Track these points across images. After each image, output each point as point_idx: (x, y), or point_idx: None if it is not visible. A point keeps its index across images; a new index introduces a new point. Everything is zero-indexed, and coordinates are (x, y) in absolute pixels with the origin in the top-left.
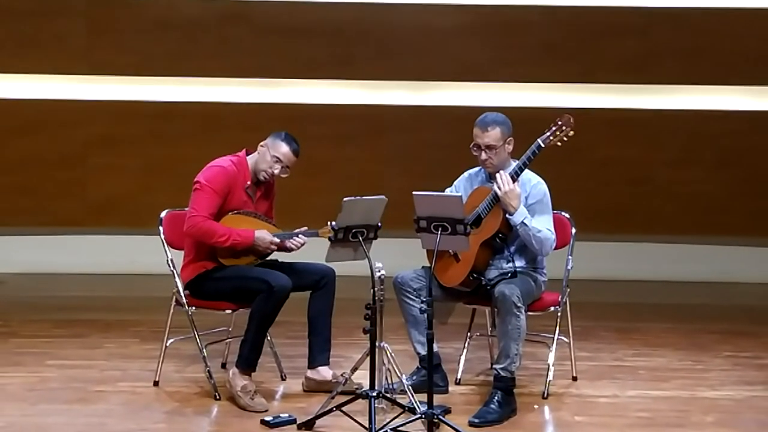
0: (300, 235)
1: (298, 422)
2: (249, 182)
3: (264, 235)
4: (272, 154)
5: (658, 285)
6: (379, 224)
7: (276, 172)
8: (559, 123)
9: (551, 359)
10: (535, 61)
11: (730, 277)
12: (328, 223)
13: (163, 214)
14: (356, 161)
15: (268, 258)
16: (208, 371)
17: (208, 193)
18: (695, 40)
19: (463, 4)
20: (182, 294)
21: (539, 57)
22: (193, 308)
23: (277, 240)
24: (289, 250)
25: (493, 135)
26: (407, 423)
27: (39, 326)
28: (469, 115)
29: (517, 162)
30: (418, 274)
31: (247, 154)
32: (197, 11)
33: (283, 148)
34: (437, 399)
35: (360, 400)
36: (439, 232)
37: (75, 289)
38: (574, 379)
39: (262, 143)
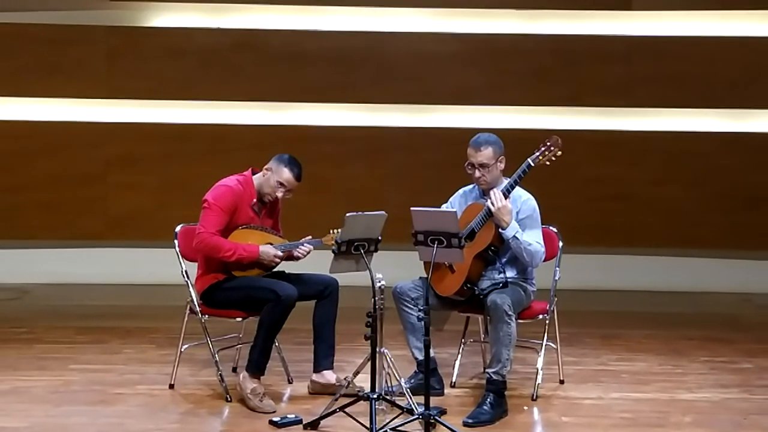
0: (305, 244)
1: (303, 422)
2: (255, 199)
3: (268, 249)
4: (276, 179)
5: (639, 294)
6: (380, 238)
7: (279, 195)
8: (548, 143)
9: (540, 364)
10: (525, 86)
11: (707, 287)
12: (330, 231)
13: (178, 229)
14: (358, 179)
15: (275, 269)
16: (220, 375)
17: (215, 211)
18: (673, 66)
19: (458, 33)
20: (196, 303)
21: (529, 82)
22: (206, 316)
23: (280, 253)
24: (297, 258)
25: (485, 154)
26: (406, 423)
27: (62, 333)
28: (464, 136)
29: (509, 180)
30: (416, 285)
31: (253, 173)
32: (209, 40)
33: (286, 174)
34: (434, 401)
35: (362, 401)
36: (436, 245)
37: (96, 299)
38: (561, 382)
39: (267, 167)
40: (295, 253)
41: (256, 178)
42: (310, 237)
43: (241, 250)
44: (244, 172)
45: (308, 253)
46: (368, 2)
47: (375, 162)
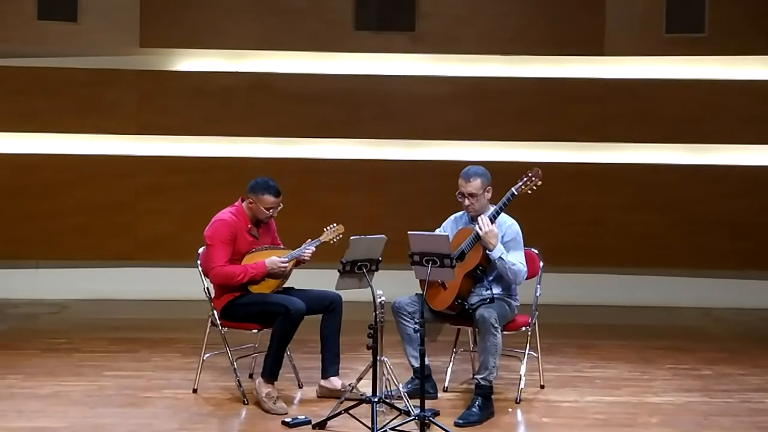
0: (307, 247)
1: (312, 423)
2: (249, 225)
3: (273, 259)
4: (263, 207)
5: (612, 309)
6: (380, 258)
7: (273, 215)
8: (530, 174)
9: (523, 370)
10: (510, 124)
11: (672, 302)
12: (325, 228)
13: (200, 250)
14: (360, 206)
15: (286, 285)
16: (238, 381)
17: (217, 246)
18: (642, 106)
19: (451, 76)
20: (216, 317)
21: (513, 120)
22: (225, 328)
23: (285, 259)
24: (304, 261)
25: (474, 185)
26: (403, 424)
27: (97, 343)
28: (455, 168)
29: (495, 207)
30: (412, 300)
31: (242, 201)
32: (229, 81)
33: (270, 200)
34: (428, 404)
35: (364, 404)
36: (430, 265)
37: (127, 313)
38: (542, 387)
39: (249, 201)
40: (302, 258)
41: (245, 205)
42: (309, 240)
43: (250, 269)
44: (235, 203)
45: (312, 253)
46: (370, 49)
47: (376, 191)
